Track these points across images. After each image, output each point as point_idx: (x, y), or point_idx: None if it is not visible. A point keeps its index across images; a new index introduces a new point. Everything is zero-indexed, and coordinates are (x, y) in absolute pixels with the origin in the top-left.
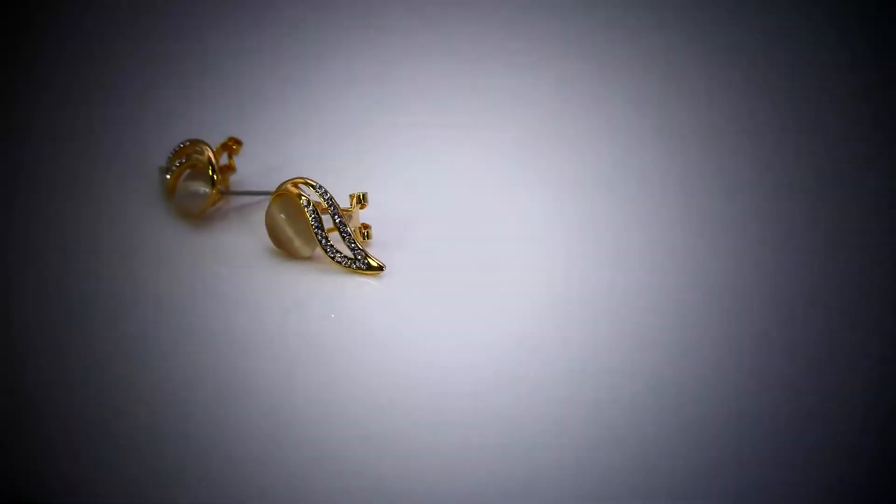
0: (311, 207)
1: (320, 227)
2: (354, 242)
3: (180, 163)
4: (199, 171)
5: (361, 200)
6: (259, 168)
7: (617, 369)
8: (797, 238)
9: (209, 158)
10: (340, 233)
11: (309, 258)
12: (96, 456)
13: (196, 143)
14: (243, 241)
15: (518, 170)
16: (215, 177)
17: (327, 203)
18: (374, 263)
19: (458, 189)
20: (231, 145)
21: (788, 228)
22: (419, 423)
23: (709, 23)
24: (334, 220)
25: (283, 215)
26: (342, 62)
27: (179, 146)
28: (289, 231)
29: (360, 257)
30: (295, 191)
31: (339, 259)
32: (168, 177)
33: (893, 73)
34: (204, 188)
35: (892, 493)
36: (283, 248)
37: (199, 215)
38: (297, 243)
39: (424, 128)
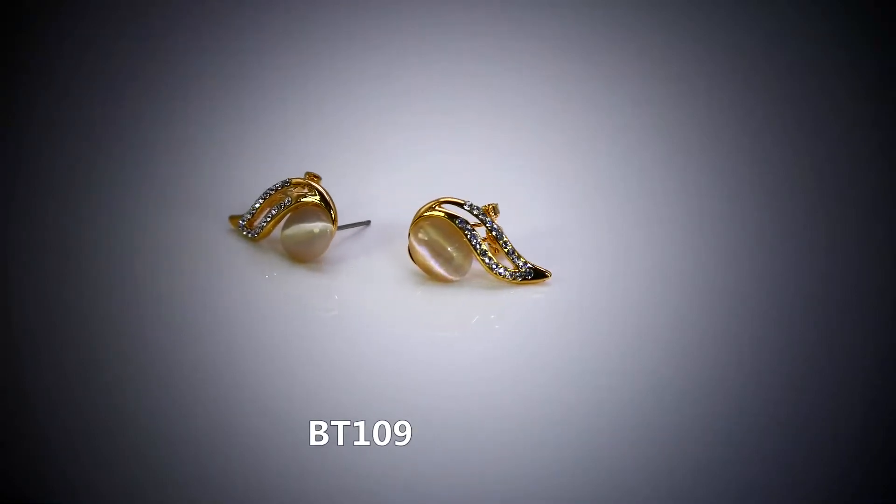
0: (466, 224)
1: (479, 242)
2: (516, 252)
3: (279, 208)
4: (305, 210)
5: (496, 211)
6: (346, 200)
7: (616, 369)
8: (797, 237)
9: (322, 194)
10: (500, 245)
11: (461, 278)
12: (96, 456)
13: (292, 185)
14: (387, 267)
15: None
16: (333, 213)
17: (479, 218)
18: (541, 271)
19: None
20: (311, 180)
21: (788, 228)
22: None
23: (711, 23)
24: (491, 234)
25: (432, 238)
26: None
27: (270, 192)
28: (446, 251)
29: (524, 267)
30: (440, 210)
31: (505, 273)
32: (246, 224)
33: (894, 73)
34: (325, 225)
35: (893, 493)
36: (436, 271)
37: (319, 255)
38: (457, 262)
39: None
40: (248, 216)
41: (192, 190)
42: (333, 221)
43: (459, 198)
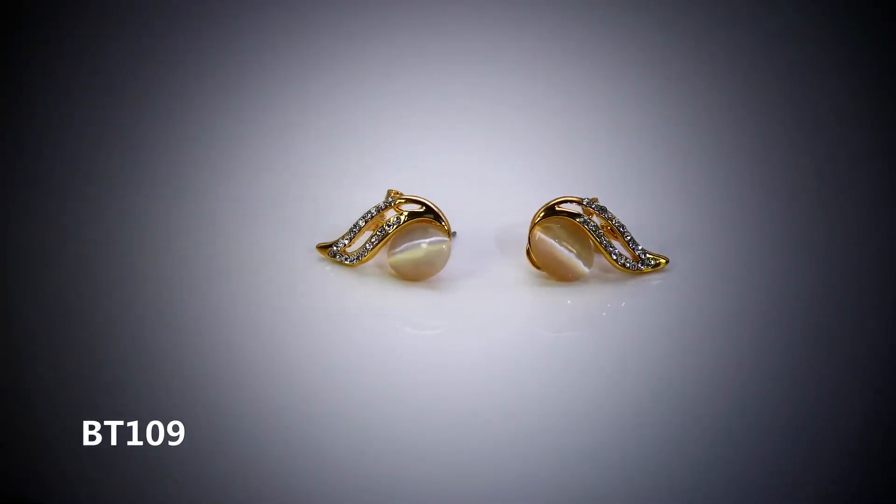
0: (588, 221)
1: (602, 235)
2: (635, 241)
3: (383, 231)
4: (413, 228)
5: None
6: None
7: (616, 370)
8: (797, 238)
9: (430, 207)
10: (621, 234)
11: (588, 271)
12: (96, 456)
13: (388, 208)
14: (510, 271)
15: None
16: (446, 225)
17: (598, 212)
18: (661, 261)
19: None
20: (397, 197)
21: (788, 227)
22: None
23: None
24: (614, 226)
25: (559, 236)
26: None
27: (370, 215)
28: (573, 249)
29: (644, 255)
30: (560, 209)
31: (630, 265)
32: (340, 250)
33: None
34: (441, 239)
35: (893, 494)
36: (570, 263)
37: (438, 272)
38: (584, 258)
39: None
40: (344, 242)
41: (276, 212)
42: (448, 234)
43: (575, 196)
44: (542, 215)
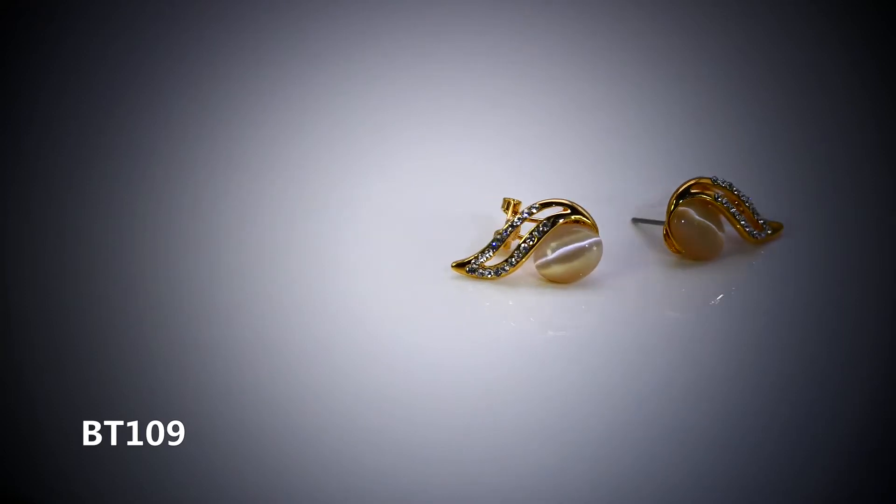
0: (723, 200)
1: (737, 212)
2: (757, 212)
3: (531, 238)
4: (560, 233)
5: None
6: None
7: (615, 372)
8: (797, 237)
9: (575, 208)
10: (747, 206)
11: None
12: (96, 456)
13: (524, 221)
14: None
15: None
16: (590, 220)
17: (726, 188)
18: (777, 226)
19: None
20: (515, 204)
21: (789, 231)
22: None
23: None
24: (740, 199)
25: (699, 218)
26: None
27: (507, 233)
28: (713, 226)
29: (765, 224)
30: (695, 191)
31: (755, 234)
32: (479, 266)
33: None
34: (595, 240)
35: (893, 493)
36: (707, 250)
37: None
38: (721, 237)
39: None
40: (488, 255)
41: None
42: (597, 230)
43: (705, 176)
44: (676, 199)
